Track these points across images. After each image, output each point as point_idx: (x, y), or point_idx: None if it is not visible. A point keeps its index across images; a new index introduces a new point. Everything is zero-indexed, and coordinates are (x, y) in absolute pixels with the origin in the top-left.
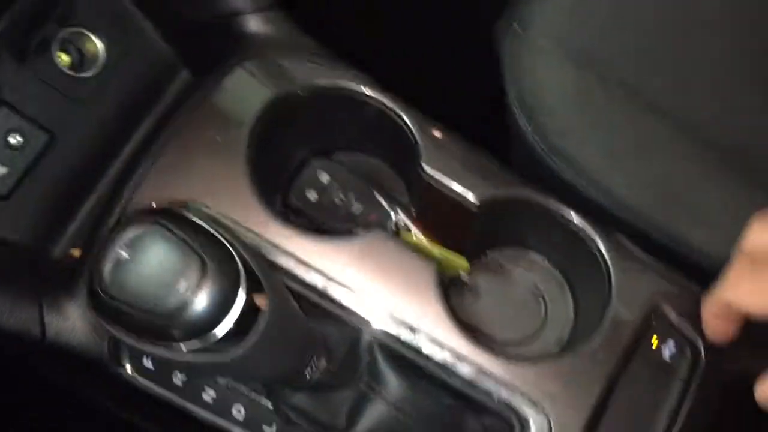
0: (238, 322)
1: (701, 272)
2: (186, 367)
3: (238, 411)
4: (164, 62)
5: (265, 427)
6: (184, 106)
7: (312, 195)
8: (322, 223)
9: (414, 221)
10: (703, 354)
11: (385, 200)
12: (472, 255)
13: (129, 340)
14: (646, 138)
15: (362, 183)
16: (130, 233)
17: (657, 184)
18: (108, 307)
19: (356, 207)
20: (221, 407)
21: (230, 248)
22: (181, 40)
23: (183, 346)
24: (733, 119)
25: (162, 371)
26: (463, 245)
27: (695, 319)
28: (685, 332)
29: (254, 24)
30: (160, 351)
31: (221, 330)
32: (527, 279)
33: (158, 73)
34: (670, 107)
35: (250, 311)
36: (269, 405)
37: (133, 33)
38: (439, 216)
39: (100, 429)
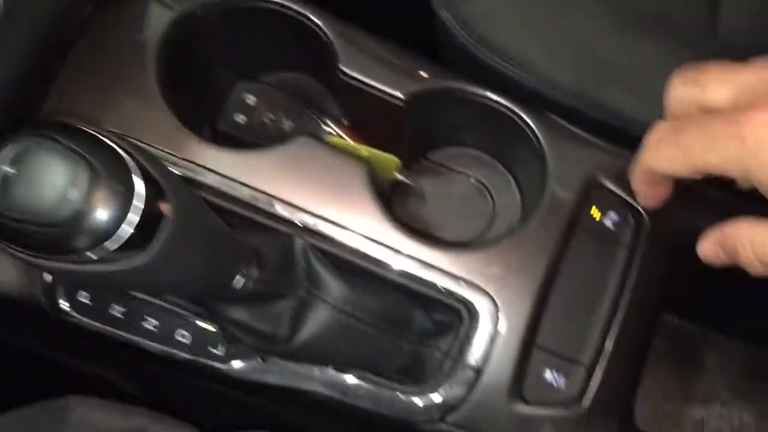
0: (140, 228)
1: (638, 142)
2: (99, 282)
3: (183, 336)
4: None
5: (211, 349)
6: (88, 37)
7: (240, 118)
8: (254, 144)
9: (345, 128)
10: (646, 219)
11: (314, 113)
12: (411, 158)
13: (27, 258)
14: (566, 7)
15: (290, 99)
16: (14, 148)
17: (582, 56)
18: (2, 226)
19: (287, 124)
20: (165, 334)
21: (123, 153)
22: None
23: (88, 256)
24: None
25: (99, 305)
26: (398, 148)
27: None
28: (626, 201)
29: None
30: (62, 265)
31: (122, 234)
32: (471, 176)
33: (63, 9)
34: None
35: (154, 218)
36: (213, 327)
37: None
38: (370, 119)
39: (57, 384)
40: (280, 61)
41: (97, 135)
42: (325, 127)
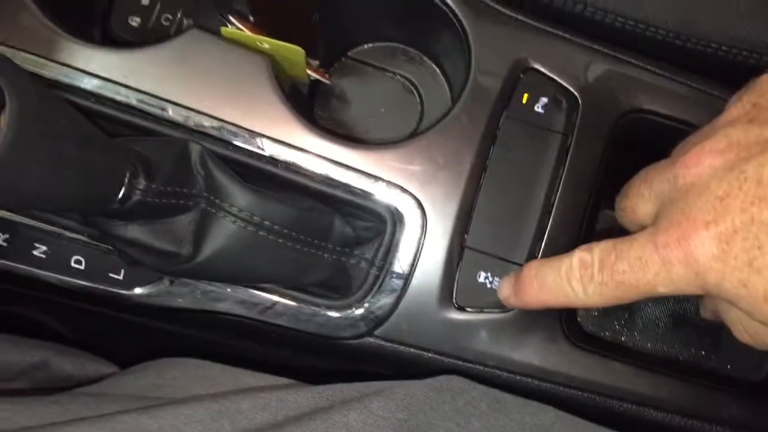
0: None
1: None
2: None
3: (78, 262)
4: None
5: (111, 275)
6: None
7: (135, 20)
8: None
9: (251, 25)
10: (580, 103)
11: (215, 9)
12: (330, 57)
13: None
14: None
15: None
16: None
17: None
18: None
19: (186, 22)
20: (58, 261)
21: None
22: None
23: None
24: None
25: None
26: (314, 47)
27: (567, 70)
28: (559, 84)
29: None
30: None
31: None
32: (396, 73)
33: None
34: None
35: None
36: (110, 249)
37: None
38: (278, 14)
39: None
40: None
41: None
42: (229, 26)
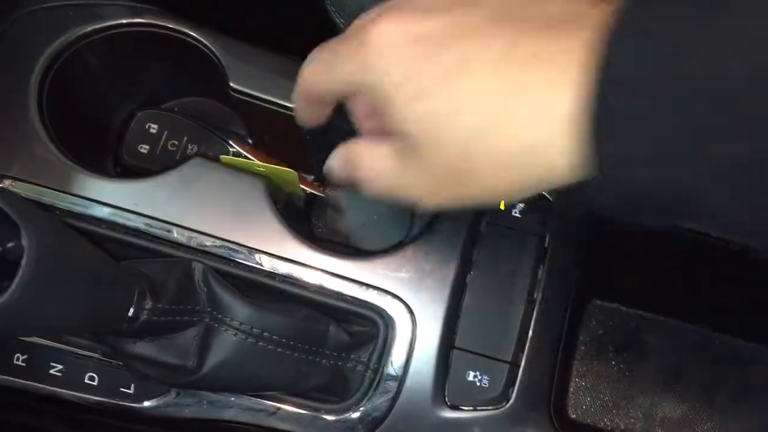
0: None
1: None
2: None
3: (92, 379)
4: None
5: (122, 390)
6: None
7: (144, 148)
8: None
9: (249, 147)
10: (554, 205)
11: (217, 135)
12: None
13: None
14: None
15: (192, 123)
16: None
17: None
18: None
19: (191, 148)
20: (73, 379)
21: None
22: None
23: None
24: None
25: (1, 355)
26: (307, 163)
27: None
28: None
29: None
30: None
31: None
32: None
33: None
34: None
35: (12, 257)
36: (121, 365)
37: None
38: (273, 135)
39: None
40: (178, 88)
41: None
42: (230, 149)
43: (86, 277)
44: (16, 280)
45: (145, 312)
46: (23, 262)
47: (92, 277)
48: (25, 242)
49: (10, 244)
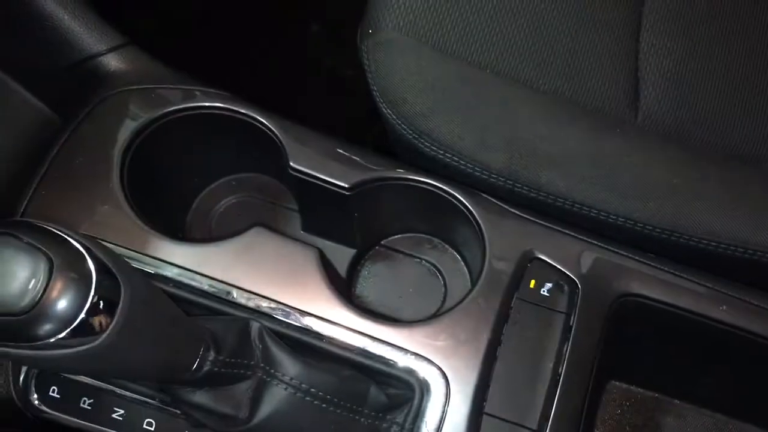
0: (97, 315)
1: (568, 215)
2: (59, 368)
3: (149, 424)
4: (40, 117)
5: None
6: (62, 149)
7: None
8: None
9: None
10: (579, 287)
11: (273, 207)
12: (366, 246)
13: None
14: (499, 103)
15: (253, 196)
16: None
17: (513, 143)
18: None
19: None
20: (132, 423)
21: (79, 247)
22: (50, 92)
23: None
24: (565, 75)
25: (69, 399)
26: (352, 237)
27: (567, 260)
28: (561, 271)
29: (113, 63)
30: (27, 352)
31: (81, 321)
32: (423, 259)
33: (36, 129)
34: (509, 71)
35: (110, 306)
36: (177, 412)
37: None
38: (323, 211)
39: None
40: (240, 164)
41: (57, 232)
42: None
43: (166, 327)
44: (112, 324)
45: (208, 363)
46: (119, 309)
47: (170, 329)
48: (121, 292)
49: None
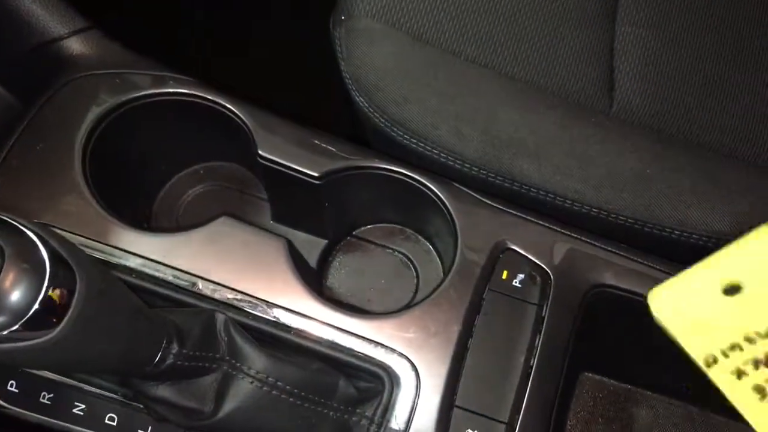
0: (51, 307)
1: (543, 205)
2: (12, 361)
3: (111, 419)
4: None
5: (140, 431)
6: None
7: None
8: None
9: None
10: (552, 278)
11: (242, 196)
12: (338, 236)
13: None
14: (472, 91)
15: (220, 185)
16: None
17: (488, 132)
18: None
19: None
20: (94, 418)
21: (32, 235)
22: (11, 77)
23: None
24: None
25: (28, 392)
26: (323, 228)
27: (540, 251)
28: (533, 262)
29: (76, 46)
30: None
31: (34, 313)
32: (395, 250)
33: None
34: (485, 60)
35: (65, 297)
36: (140, 407)
37: None
38: (293, 200)
39: None
40: (208, 151)
41: (8, 220)
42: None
43: (125, 319)
44: (66, 317)
45: (171, 356)
46: (74, 301)
47: (130, 321)
48: (77, 282)
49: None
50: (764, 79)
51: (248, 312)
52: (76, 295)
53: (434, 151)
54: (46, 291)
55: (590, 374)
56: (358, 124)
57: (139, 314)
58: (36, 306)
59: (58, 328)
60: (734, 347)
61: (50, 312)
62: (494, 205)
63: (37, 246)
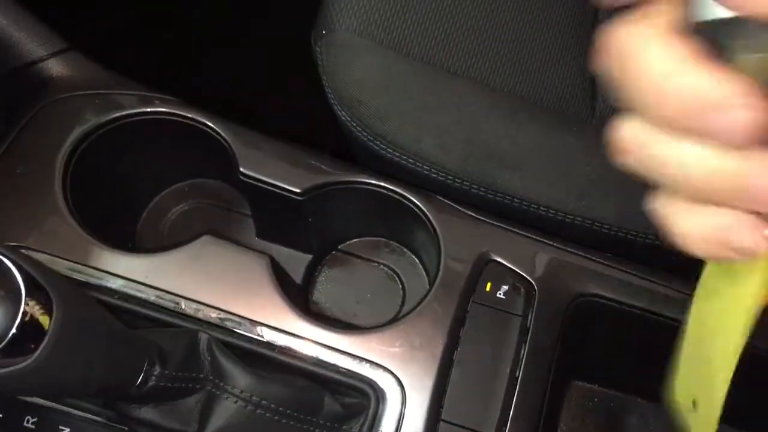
0: (28, 333)
1: (526, 216)
2: None
3: None
4: None
5: None
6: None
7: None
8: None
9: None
10: (536, 289)
11: (225, 214)
12: (323, 250)
13: None
14: (454, 102)
15: (202, 203)
16: None
17: (471, 144)
18: None
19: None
20: None
21: (7, 261)
22: None
23: None
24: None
25: (12, 417)
26: (308, 243)
27: (523, 261)
28: (517, 273)
29: (55, 68)
30: None
31: (10, 340)
32: (381, 263)
33: None
34: (466, 71)
35: (40, 324)
36: (125, 429)
37: None
38: (277, 216)
39: None
40: (190, 170)
41: None
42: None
43: (104, 343)
44: (43, 343)
45: (153, 378)
46: (51, 326)
47: (109, 344)
48: (53, 308)
49: (37, 309)
50: None
51: (232, 331)
52: (52, 321)
53: (417, 163)
54: (22, 318)
55: (581, 383)
56: (342, 137)
57: (119, 337)
58: (12, 333)
59: (35, 355)
60: None
61: (27, 338)
62: (477, 216)
63: (11, 272)
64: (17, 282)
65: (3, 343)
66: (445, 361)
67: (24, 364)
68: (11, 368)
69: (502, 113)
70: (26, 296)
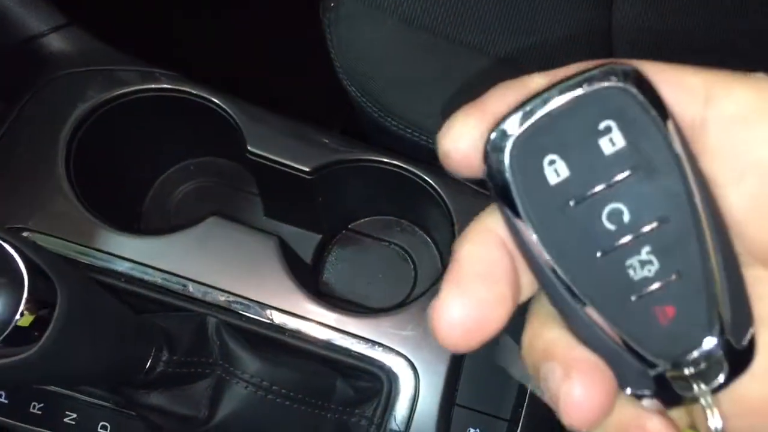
0: (32, 321)
1: None
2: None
3: (104, 428)
4: None
5: None
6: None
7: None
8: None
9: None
10: None
11: (234, 193)
12: (333, 230)
13: None
14: (462, 75)
15: (210, 182)
16: None
17: None
18: None
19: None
20: (86, 427)
21: (8, 247)
22: None
23: None
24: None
25: (18, 402)
26: (317, 223)
27: None
28: None
29: (56, 44)
30: None
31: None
32: (392, 243)
33: None
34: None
35: (46, 311)
36: (133, 414)
37: None
38: (285, 195)
39: None
40: (196, 148)
41: None
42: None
43: (110, 330)
44: (48, 331)
45: (162, 363)
46: (55, 314)
47: (116, 330)
48: (58, 296)
49: (40, 298)
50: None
51: (240, 314)
52: (57, 309)
53: (429, 140)
54: (25, 305)
55: None
56: (353, 114)
57: (126, 323)
58: (15, 321)
59: (40, 343)
60: None
61: (31, 326)
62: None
63: (13, 258)
64: (20, 268)
65: (5, 334)
66: None
67: (28, 353)
68: (15, 358)
69: None
70: (29, 283)
